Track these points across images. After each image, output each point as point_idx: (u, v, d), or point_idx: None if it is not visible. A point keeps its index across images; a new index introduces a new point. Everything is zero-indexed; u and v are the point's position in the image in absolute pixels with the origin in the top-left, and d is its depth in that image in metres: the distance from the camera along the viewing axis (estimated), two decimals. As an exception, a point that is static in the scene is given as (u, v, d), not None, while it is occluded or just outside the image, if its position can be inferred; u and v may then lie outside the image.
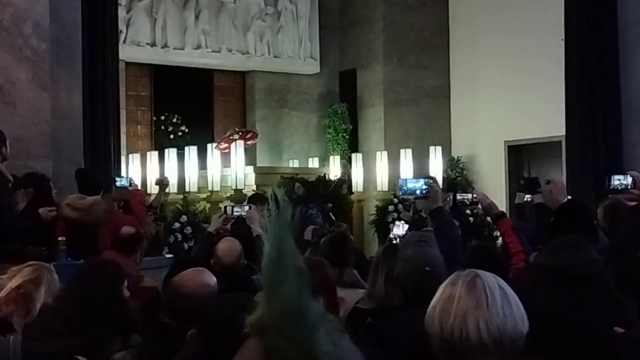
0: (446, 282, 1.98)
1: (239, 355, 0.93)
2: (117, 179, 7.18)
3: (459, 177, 11.26)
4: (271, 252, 0.88)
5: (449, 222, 4.04)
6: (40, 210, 5.89)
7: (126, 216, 6.43)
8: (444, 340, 1.83)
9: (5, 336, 2.15)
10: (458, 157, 11.61)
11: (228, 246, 4.54)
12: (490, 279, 1.90)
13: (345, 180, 10.17)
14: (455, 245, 3.85)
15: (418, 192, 4.33)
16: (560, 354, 2.56)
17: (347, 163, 10.74)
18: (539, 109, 10.38)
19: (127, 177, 7.50)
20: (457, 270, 2.00)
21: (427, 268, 3.13)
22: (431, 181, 4.39)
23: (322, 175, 10.26)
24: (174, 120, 11.45)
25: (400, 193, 4.65)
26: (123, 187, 6.89)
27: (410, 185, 4.41)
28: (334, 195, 9.73)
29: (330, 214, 9.15)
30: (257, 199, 7.13)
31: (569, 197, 4.08)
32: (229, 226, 5.51)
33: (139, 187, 7.93)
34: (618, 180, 5.01)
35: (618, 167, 8.36)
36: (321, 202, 9.28)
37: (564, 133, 9.60)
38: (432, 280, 3.10)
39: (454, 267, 2.93)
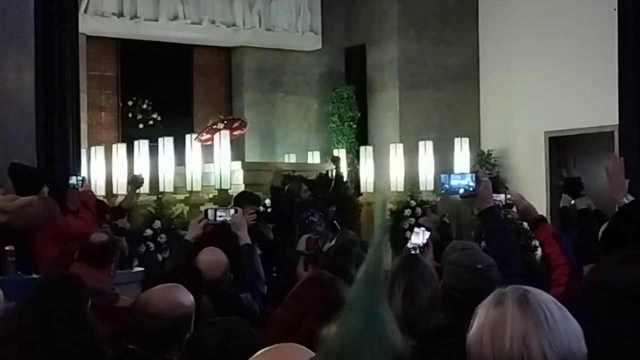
0: (487, 302, 1.99)
1: None
2: (70, 177, 7.19)
3: (490, 174, 11.22)
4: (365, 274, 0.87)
5: (502, 225, 4.04)
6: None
7: (72, 220, 6.41)
8: None
9: None
10: (489, 151, 11.64)
11: (211, 258, 4.52)
12: (543, 294, 1.96)
13: (342, 175, 10.18)
14: (510, 252, 3.87)
15: (462, 190, 4.33)
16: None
17: (338, 157, 10.61)
18: (586, 95, 10.41)
19: (79, 176, 7.54)
20: (500, 288, 2.01)
21: (479, 265, 3.28)
22: (481, 175, 4.38)
23: (324, 172, 10.22)
24: (145, 106, 11.45)
25: (442, 192, 4.68)
26: (73, 187, 6.94)
27: (454, 182, 4.43)
28: (334, 197, 9.71)
29: (335, 222, 9.12)
30: (245, 199, 7.10)
31: (630, 197, 4.01)
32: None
33: (91, 187, 7.98)
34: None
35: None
36: (323, 206, 9.23)
37: (616, 122, 9.56)
38: (486, 281, 3.19)
39: (511, 279, 2.91)
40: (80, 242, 5.35)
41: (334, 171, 10.17)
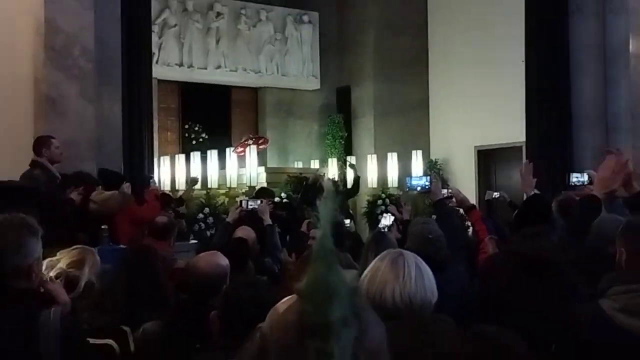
0: (379, 256, 2.03)
1: (284, 311, 0.94)
2: (145, 178, 7.23)
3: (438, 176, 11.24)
4: (319, 237, 0.88)
5: (449, 211, 4.03)
6: (73, 195, 5.85)
7: (143, 208, 6.37)
8: (370, 299, 1.90)
9: (48, 308, 2.10)
10: (435, 159, 11.55)
11: (244, 234, 4.52)
12: (411, 257, 1.98)
13: (359, 176, 9.90)
14: (454, 229, 3.86)
15: (419, 188, 4.36)
16: (523, 323, 2.55)
17: (354, 165, 10.20)
18: (503, 119, 10.33)
19: (151, 177, 7.62)
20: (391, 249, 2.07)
21: (430, 235, 3.26)
22: (433, 177, 4.41)
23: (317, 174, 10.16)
24: (197, 128, 11.39)
25: (407, 189, 4.68)
26: (147, 185, 7.04)
27: (415, 182, 4.45)
28: (350, 192, 9.45)
29: (348, 209, 9.08)
30: (263, 193, 7.09)
31: (537, 190, 4.01)
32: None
33: (158, 185, 7.96)
34: (576, 178, 4.99)
35: (570, 168, 8.38)
36: (340, 196, 9.17)
37: (524, 139, 9.57)
38: (435, 248, 3.15)
39: (454, 247, 2.91)
40: (148, 223, 5.34)
41: (353, 173, 9.69)
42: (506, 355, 1.61)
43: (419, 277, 1.92)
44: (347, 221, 6.00)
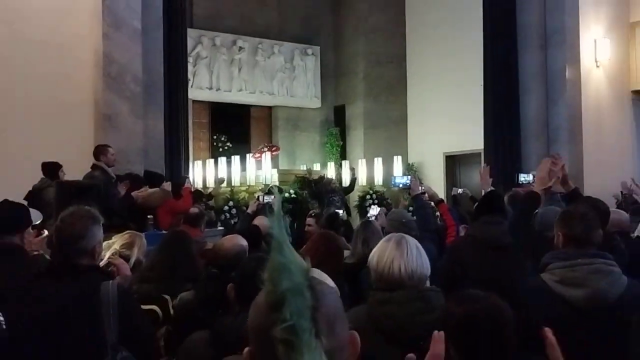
0: (385, 238, 2.03)
1: (256, 297, 0.87)
2: (181, 178, 7.21)
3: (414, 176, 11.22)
4: (274, 234, 0.82)
5: (424, 203, 4.02)
6: (132, 193, 5.91)
7: (179, 202, 6.36)
8: (378, 272, 1.91)
9: (107, 281, 2.12)
10: (412, 163, 11.52)
11: (260, 222, 4.51)
12: (412, 240, 1.98)
13: (356, 177, 9.95)
14: (428, 217, 3.86)
15: (401, 185, 4.37)
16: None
17: (353, 168, 10.29)
18: (466, 131, 10.32)
19: (187, 177, 7.56)
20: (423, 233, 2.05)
21: (403, 220, 3.34)
22: (412, 177, 4.42)
23: (322, 175, 10.14)
24: (223, 139, 11.36)
25: (392, 185, 4.69)
26: (183, 183, 6.94)
27: (398, 180, 4.46)
28: (348, 189, 9.58)
29: (347, 203, 9.10)
30: (276, 189, 7.14)
31: (492, 187, 4.01)
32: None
33: (192, 183, 7.91)
34: (523, 177, 4.99)
35: (519, 170, 8.38)
36: (341, 193, 9.22)
37: (482, 147, 9.57)
38: (407, 229, 3.19)
39: (427, 230, 2.91)
40: (184, 213, 5.34)
41: (351, 176, 9.90)
42: (496, 312, 1.57)
43: (418, 256, 1.92)
44: (340, 212, 5.99)
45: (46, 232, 3.24)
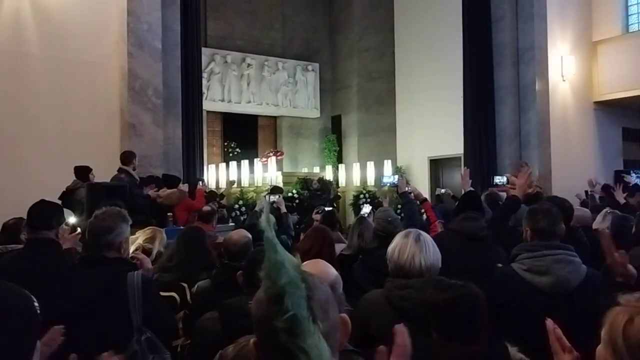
0: (401, 234, 2.04)
1: (257, 293, 0.85)
2: (196, 180, 7.20)
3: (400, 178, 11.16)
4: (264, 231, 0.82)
5: (410, 200, 4.03)
6: (150, 192, 5.91)
7: (194, 201, 6.36)
8: (399, 265, 1.94)
9: (132, 271, 2.15)
10: (400, 166, 11.47)
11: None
12: (427, 237, 2.02)
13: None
14: (413, 213, 3.87)
15: (390, 184, 4.39)
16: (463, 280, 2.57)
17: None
18: (448, 138, 10.31)
19: (202, 179, 7.55)
20: (408, 228, 2.07)
21: (389, 219, 3.32)
22: (400, 177, 4.42)
23: (322, 177, 10.16)
24: (233, 145, 11.32)
25: (382, 184, 4.71)
26: (198, 185, 6.90)
27: (386, 179, 4.48)
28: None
29: (335, 203, 9.13)
30: (275, 190, 7.14)
31: (471, 188, 4.03)
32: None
33: (206, 184, 7.87)
34: (498, 179, 5.00)
35: (494, 172, 8.40)
36: (326, 192, 9.23)
37: (462, 152, 9.58)
38: (393, 226, 3.20)
39: (414, 226, 2.92)
40: (198, 211, 5.34)
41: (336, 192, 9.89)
42: (472, 298, 1.61)
43: (434, 251, 1.97)
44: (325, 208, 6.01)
45: (79, 230, 3.26)
